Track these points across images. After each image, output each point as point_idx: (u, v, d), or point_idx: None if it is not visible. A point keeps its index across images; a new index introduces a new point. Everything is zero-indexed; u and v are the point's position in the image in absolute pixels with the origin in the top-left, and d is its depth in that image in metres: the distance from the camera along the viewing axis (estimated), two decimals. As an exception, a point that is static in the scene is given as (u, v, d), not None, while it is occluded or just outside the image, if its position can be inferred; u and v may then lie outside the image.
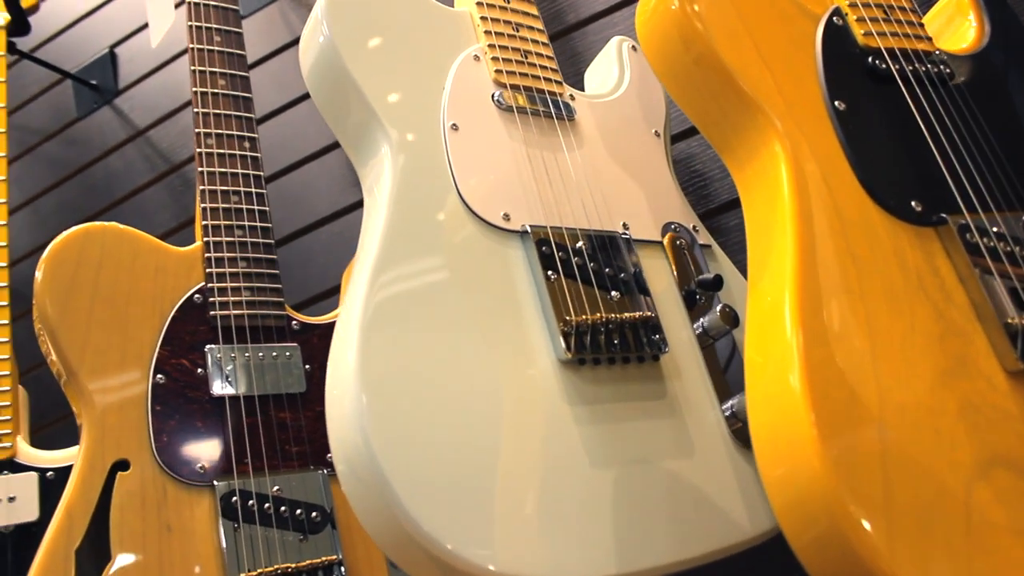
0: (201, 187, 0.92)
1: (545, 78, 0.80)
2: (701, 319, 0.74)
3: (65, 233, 0.85)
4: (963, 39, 0.76)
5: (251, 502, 0.81)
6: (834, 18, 0.67)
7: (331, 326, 0.61)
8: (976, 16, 0.77)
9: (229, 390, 0.85)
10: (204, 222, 0.91)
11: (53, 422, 1.30)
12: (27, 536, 1.00)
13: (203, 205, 0.91)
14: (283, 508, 0.82)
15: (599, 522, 0.60)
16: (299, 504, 0.83)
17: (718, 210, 0.99)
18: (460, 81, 0.75)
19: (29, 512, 1.01)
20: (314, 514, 0.84)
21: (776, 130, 0.59)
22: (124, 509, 0.76)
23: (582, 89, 0.89)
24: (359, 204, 0.71)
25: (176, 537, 0.77)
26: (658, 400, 0.68)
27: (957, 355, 0.54)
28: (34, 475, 1.03)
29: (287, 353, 0.90)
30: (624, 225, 0.76)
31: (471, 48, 0.78)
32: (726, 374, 0.73)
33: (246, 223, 0.93)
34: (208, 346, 0.86)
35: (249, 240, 0.92)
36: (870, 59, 0.66)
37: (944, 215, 0.59)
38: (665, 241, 0.78)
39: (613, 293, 0.70)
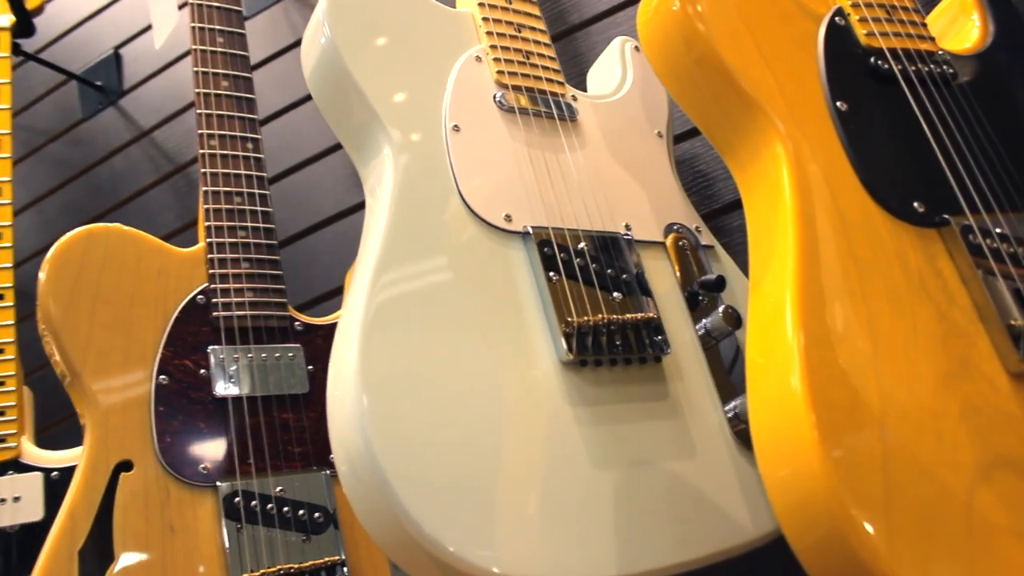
0: (204, 188, 0.93)
1: (547, 79, 0.80)
2: (704, 320, 0.74)
3: (68, 234, 0.85)
4: (967, 39, 0.75)
5: (254, 503, 0.81)
6: (836, 18, 0.67)
7: (334, 327, 0.62)
8: (980, 15, 0.77)
9: (232, 391, 0.85)
10: (207, 223, 0.91)
11: (58, 422, 1.30)
12: (32, 536, 1.00)
13: (206, 206, 0.92)
14: (286, 509, 0.83)
15: (601, 523, 0.60)
16: (302, 505, 0.83)
17: (722, 210, 0.98)
18: (462, 82, 0.75)
19: (34, 512, 1.02)
20: (317, 515, 0.84)
21: (778, 131, 0.59)
22: (127, 509, 0.77)
23: (585, 90, 0.89)
24: (363, 204, 0.71)
25: (179, 537, 0.78)
26: (660, 401, 0.68)
27: (959, 357, 0.53)
28: (39, 475, 1.03)
29: (290, 354, 0.90)
30: (626, 226, 0.75)
31: (473, 49, 0.78)
32: (729, 375, 0.73)
33: (249, 224, 0.93)
34: (211, 347, 0.87)
35: (252, 241, 0.92)
36: (872, 59, 0.66)
37: (947, 216, 0.59)
38: (667, 242, 0.78)
39: (615, 294, 0.69)
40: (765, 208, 0.59)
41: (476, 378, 0.61)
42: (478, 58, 0.78)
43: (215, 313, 0.88)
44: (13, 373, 1.08)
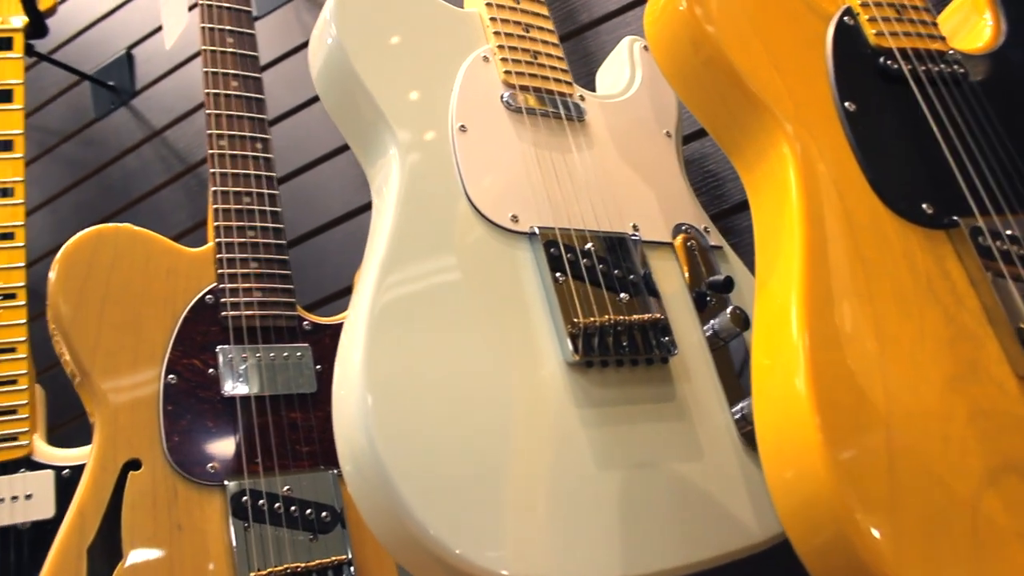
0: (213, 188, 0.93)
1: (555, 79, 0.80)
2: (712, 321, 0.74)
3: (78, 234, 0.86)
4: (978, 38, 0.75)
5: (261, 502, 0.82)
6: (845, 18, 0.67)
7: (342, 326, 0.62)
8: (992, 14, 0.76)
9: (240, 390, 0.86)
10: (216, 223, 0.92)
11: (69, 420, 1.31)
12: (43, 533, 1.01)
13: (215, 206, 0.92)
14: (293, 508, 0.83)
15: (606, 525, 0.60)
16: (309, 504, 0.84)
17: (731, 211, 0.98)
18: (469, 82, 0.75)
19: (45, 509, 1.02)
20: (324, 514, 0.84)
21: (785, 132, 0.58)
22: (135, 508, 0.77)
23: (593, 89, 0.89)
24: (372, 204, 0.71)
25: (187, 536, 0.78)
26: (667, 403, 0.68)
27: (968, 360, 0.53)
28: (50, 473, 1.04)
29: (298, 353, 0.90)
30: (634, 226, 0.75)
31: (480, 49, 0.78)
32: (736, 377, 0.72)
33: (258, 224, 0.93)
34: (219, 346, 0.87)
35: (261, 241, 0.93)
36: (881, 59, 0.66)
37: (956, 218, 0.59)
38: (676, 242, 0.78)
39: (622, 295, 0.69)
40: (772, 209, 0.59)
41: (481, 378, 0.61)
42: (485, 58, 0.78)
43: (224, 313, 0.88)
44: (25, 371, 1.09)
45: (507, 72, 0.77)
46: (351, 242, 1.28)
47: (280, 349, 0.89)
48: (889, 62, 0.66)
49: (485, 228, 0.68)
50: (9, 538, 1.01)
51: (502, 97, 0.76)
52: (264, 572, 0.79)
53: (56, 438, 1.12)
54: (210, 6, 1.02)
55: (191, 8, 1.32)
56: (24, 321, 1.12)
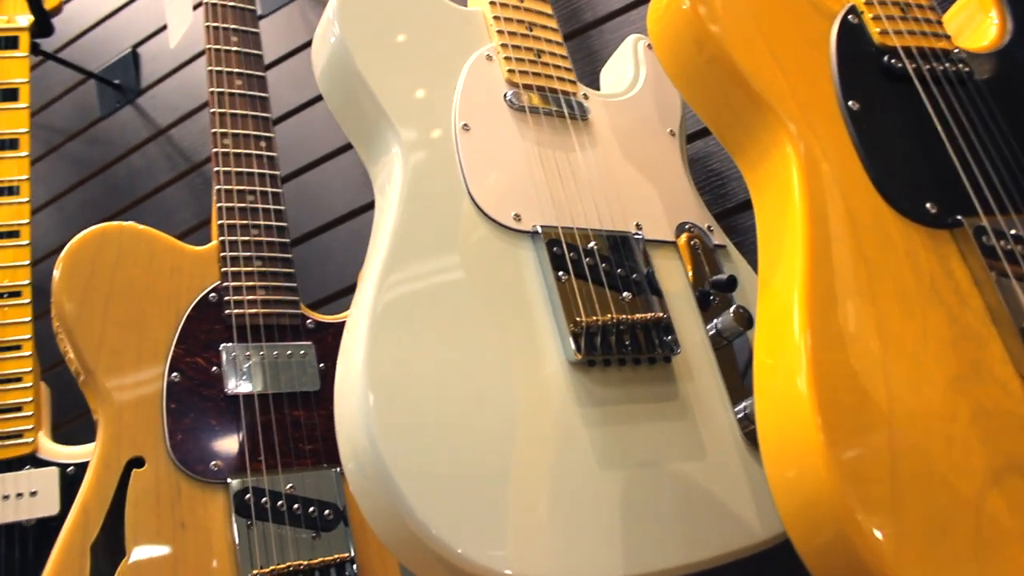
0: (217, 187, 0.93)
1: (558, 77, 0.80)
2: (715, 320, 0.73)
3: (83, 233, 0.86)
4: (984, 37, 0.74)
5: (264, 499, 0.82)
6: (849, 16, 0.66)
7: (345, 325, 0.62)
8: (998, 13, 0.75)
9: (243, 388, 0.86)
10: (220, 221, 0.92)
11: (74, 418, 1.32)
12: (48, 529, 1.01)
13: (219, 204, 0.92)
14: (296, 505, 0.83)
15: (608, 524, 0.59)
16: (312, 502, 0.84)
17: (735, 209, 0.98)
18: (472, 81, 0.75)
19: (50, 506, 1.03)
20: (327, 512, 0.84)
21: (787, 131, 0.58)
22: (139, 506, 0.77)
23: (598, 88, 0.89)
24: (377, 203, 0.71)
25: (190, 534, 0.78)
26: (669, 402, 0.68)
27: (971, 360, 0.53)
28: (55, 470, 1.05)
29: (301, 352, 0.90)
30: (637, 225, 0.75)
31: (484, 48, 0.78)
32: (740, 376, 0.72)
33: (262, 222, 0.93)
34: (223, 345, 0.87)
35: (265, 239, 0.93)
36: (886, 58, 0.65)
37: (959, 217, 0.58)
38: (679, 241, 0.78)
39: (625, 294, 0.69)
40: (774, 208, 0.58)
41: (483, 377, 0.61)
42: (489, 57, 0.78)
43: (227, 311, 0.89)
44: (30, 369, 1.10)
45: (510, 71, 0.77)
46: (355, 240, 1.28)
47: (283, 347, 0.89)
48: (893, 61, 0.65)
49: (488, 227, 0.68)
50: (14, 535, 1.02)
51: (505, 96, 0.76)
52: (267, 570, 0.79)
53: (61, 435, 1.13)
54: (214, 5, 1.02)
55: (196, 7, 1.32)
56: (29, 319, 1.12)
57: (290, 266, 0.93)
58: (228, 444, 0.83)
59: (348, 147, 1.31)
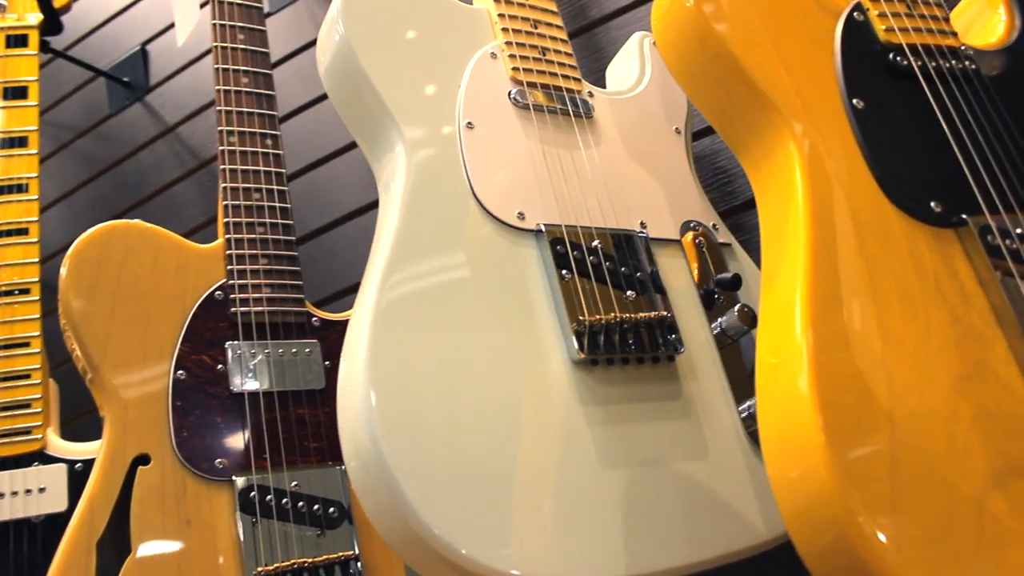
0: (223, 184, 0.93)
1: (563, 75, 0.80)
2: (720, 319, 0.73)
3: (89, 231, 0.86)
4: (992, 33, 0.74)
5: (269, 497, 0.82)
6: (855, 13, 0.66)
7: (350, 322, 0.62)
8: (1006, 9, 0.75)
9: (249, 386, 0.86)
10: (226, 219, 0.92)
11: (82, 415, 1.32)
12: (56, 526, 1.02)
13: (225, 202, 0.92)
14: (301, 503, 0.83)
15: (611, 523, 0.59)
16: (317, 499, 0.84)
17: (741, 207, 0.97)
18: (476, 79, 0.75)
19: (58, 503, 1.04)
20: (331, 509, 0.84)
21: (791, 129, 0.58)
22: (144, 503, 0.78)
23: (603, 85, 0.89)
24: (383, 200, 0.71)
25: (195, 531, 0.79)
26: (673, 401, 0.68)
27: (974, 361, 0.52)
28: (63, 466, 1.05)
29: (307, 349, 0.91)
30: (641, 223, 0.75)
31: (488, 46, 0.78)
32: (744, 375, 0.72)
33: (267, 220, 0.93)
34: (228, 342, 0.87)
35: (270, 237, 0.93)
36: (891, 55, 0.65)
37: (964, 216, 0.58)
38: (684, 239, 0.77)
39: (628, 292, 0.69)
40: (778, 206, 0.58)
41: (486, 376, 0.61)
42: (493, 55, 0.77)
43: (233, 309, 0.89)
44: (39, 366, 1.10)
45: (515, 69, 0.77)
46: (362, 237, 1.28)
47: (289, 345, 0.90)
48: (899, 58, 0.65)
49: (491, 225, 0.68)
50: (23, 531, 1.02)
51: (510, 94, 0.76)
52: (271, 567, 0.79)
53: (69, 432, 1.14)
54: (221, 2, 1.02)
55: (203, 5, 1.32)
56: (38, 316, 1.13)
57: (296, 264, 0.93)
58: (233, 442, 0.84)
59: (354, 145, 1.31)
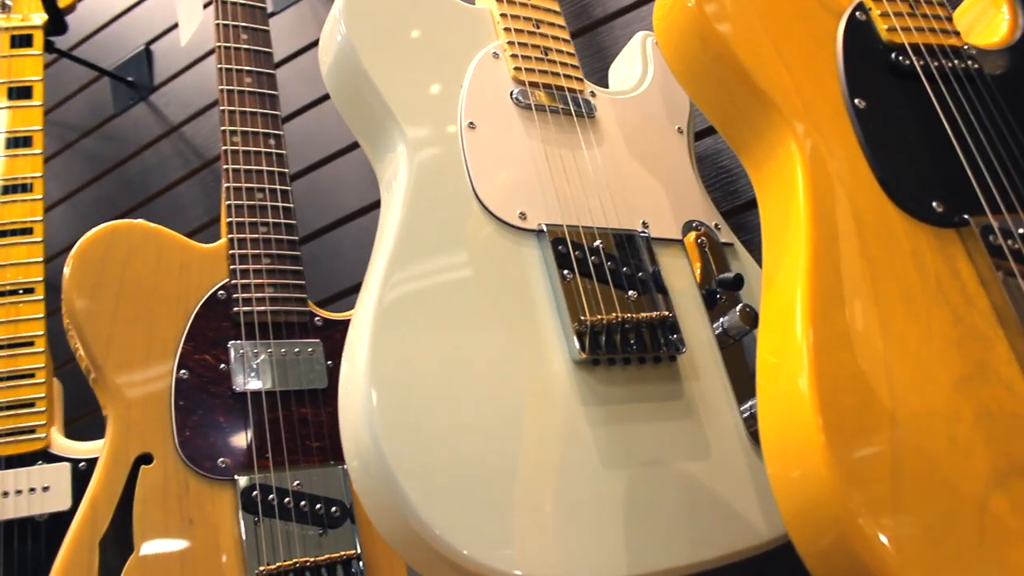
0: (226, 184, 0.93)
1: (565, 75, 0.80)
2: (721, 319, 0.73)
3: (93, 231, 0.87)
4: (995, 32, 0.73)
5: (271, 496, 0.82)
6: (857, 13, 0.66)
7: (353, 322, 0.62)
8: (1009, 8, 0.75)
9: (251, 385, 0.86)
10: (228, 219, 0.92)
11: (86, 414, 1.33)
12: (60, 524, 1.02)
13: (228, 202, 0.93)
14: (303, 502, 0.83)
15: (613, 523, 0.59)
16: (319, 499, 0.84)
17: (743, 207, 0.97)
18: (478, 79, 0.75)
19: (62, 501, 1.04)
20: (334, 509, 0.84)
21: (793, 129, 0.58)
22: (147, 502, 0.78)
23: (607, 85, 0.89)
24: (386, 200, 0.71)
25: (198, 530, 0.79)
26: (674, 401, 0.68)
27: (976, 361, 0.52)
28: (67, 465, 1.05)
29: (309, 349, 0.91)
30: (643, 223, 0.75)
31: (490, 45, 0.78)
32: (746, 375, 0.72)
33: (270, 220, 0.94)
34: (231, 342, 0.88)
35: (273, 237, 0.93)
36: (893, 55, 0.65)
37: (966, 216, 0.58)
38: (686, 239, 0.77)
39: (630, 292, 0.69)
40: (779, 207, 0.58)
41: (487, 376, 0.61)
42: (495, 55, 0.78)
43: (235, 308, 0.89)
44: (43, 365, 1.10)
45: (517, 68, 0.77)
46: (365, 237, 1.28)
47: (291, 345, 0.90)
48: (901, 58, 0.65)
49: (493, 225, 0.68)
50: (27, 529, 1.03)
51: (512, 94, 0.76)
52: (274, 566, 0.79)
53: (73, 431, 1.14)
54: (224, 2, 1.03)
55: (206, 5, 1.32)
56: (42, 315, 1.13)
57: (298, 264, 0.93)
58: (236, 441, 0.84)
59: (357, 145, 1.31)
